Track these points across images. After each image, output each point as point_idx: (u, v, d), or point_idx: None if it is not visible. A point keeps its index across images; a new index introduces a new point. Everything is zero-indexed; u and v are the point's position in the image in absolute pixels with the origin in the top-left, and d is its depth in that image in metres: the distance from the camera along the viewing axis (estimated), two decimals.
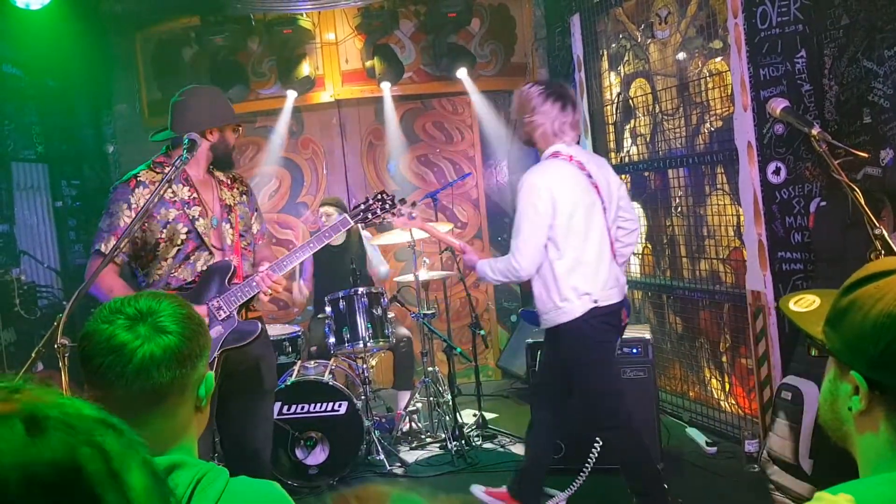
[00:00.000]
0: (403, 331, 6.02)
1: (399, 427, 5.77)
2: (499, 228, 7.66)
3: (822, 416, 1.33)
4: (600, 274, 3.77)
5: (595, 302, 3.74)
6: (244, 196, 3.68)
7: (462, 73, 6.99)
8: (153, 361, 1.44)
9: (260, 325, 3.40)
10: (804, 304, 1.35)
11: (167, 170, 3.26)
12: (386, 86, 6.95)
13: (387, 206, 3.60)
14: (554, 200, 3.67)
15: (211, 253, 3.46)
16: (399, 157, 7.50)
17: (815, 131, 2.84)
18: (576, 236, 3.72)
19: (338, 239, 6.10)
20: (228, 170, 3.65)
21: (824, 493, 1.16)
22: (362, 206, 3.59)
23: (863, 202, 2.66)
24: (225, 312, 3.34)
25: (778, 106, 3.01)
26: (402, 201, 3.77)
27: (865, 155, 3.28)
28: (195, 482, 1.38)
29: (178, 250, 3.44)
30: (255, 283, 3.35)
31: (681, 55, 5.56)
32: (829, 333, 1.26)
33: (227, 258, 3.47)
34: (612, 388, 3.90)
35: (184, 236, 3.44)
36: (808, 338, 1.32)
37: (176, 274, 3.44)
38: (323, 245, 3.55)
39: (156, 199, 3.20)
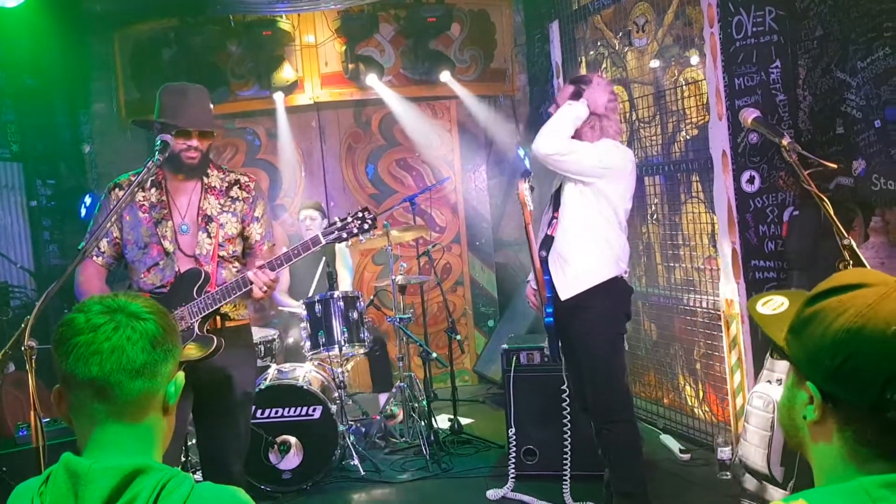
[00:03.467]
0: (377, 334, 6.02)
1: (374, 432, 5.76)
2: (477, 233, 7.67)
3: (780, 420, 1.35)
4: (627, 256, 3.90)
5: (625, 273, 3.86)
6: (239, 203, 3.54)
7: (445, 75, 7.01)
8: (129, 340, 1.46)
9: (215, 340, 3.26)
10: (772, 305, 1.36)
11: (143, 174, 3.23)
12: (373, 78, 6.94)
13: (365, 227, 3.40)
14: (628, 173, 3.79)
15: (177, 259, 3.41)
16: (374, 157, 7.50)
17: (785, 141, 2.87)
18: (624, 218, 3.83)
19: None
20: (185, 174, 3.47)
21: (780, 501, 1.19)
22: (339, 224, 3.41)
23: (832, 212, 2.69)
24: (186, 323, 3.26)
25: (749, 116, 3.04)
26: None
27: (834, 166, 3.31)
28: (160, 487, 1.39)
29: (144, 254, 3.42)
30: (230, 286, 3.29)
31: (658, 63, 5.60)
32: (790, 341, 1.27)
33: (199, 266, 3.41)
34: (625, 380, 3.93)
35: (147, 239, 3.42)
36: (771, 342, 1.33)
37: (145, 278, 3.41)
38: (308, 254, 3.46)
39: (125, 202, 3.17)
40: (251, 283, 3.28)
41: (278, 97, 6.97)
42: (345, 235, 3.39)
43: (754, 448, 4.28)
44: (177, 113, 3.37)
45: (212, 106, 3.64)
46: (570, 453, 4.31)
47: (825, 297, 1.23)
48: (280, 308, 6.25)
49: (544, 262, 3.82)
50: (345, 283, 6.06)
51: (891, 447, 1.16)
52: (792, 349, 1.26)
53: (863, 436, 1.17)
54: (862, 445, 1.18)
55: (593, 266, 3.75)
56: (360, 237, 3.46)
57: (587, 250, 3.76)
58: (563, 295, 3.77)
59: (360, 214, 3.41)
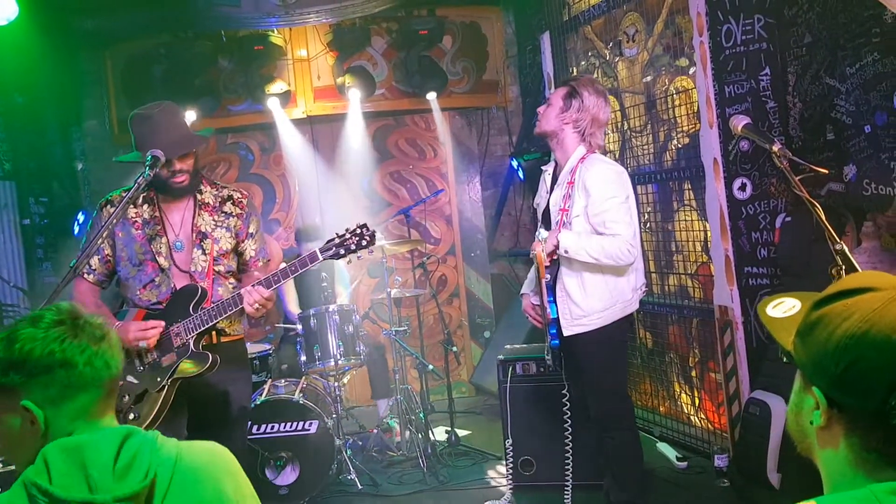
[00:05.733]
0: (376, 343, 6.01)
1: (371, 445, 5.74)
2: (472, 244, 7.66)
3: (789, 425, 1.32)
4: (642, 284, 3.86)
5: (644, 293, 3.84)
6: (233, 219, 3.53)
7: (431, 96, 7.03)
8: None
9: (210, 357, 3.25)
10: (783, 308, 1.33)
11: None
12: (355, 94, 6.94)
13: (364, 243, 3.33)
14: (629, 187, 3.74)
15: (172, 275, 3.41)
16: (368, 170, 7.50)
17: (775, 148, 2.88)
18: (637, 231, 3.76)
19: None
20: (169, 195, 3.46)
21: None
22: (336, 241, 3.35)
23: (823, 218, 2.70)
24: (181, 339, 3.26)
25: (739, 123, 3.05)
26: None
27: (825, 171, 3.32)
28: (152, 441, 1.56)
29: (139, 270, 3.41)
30: (225, 303, 3.29)
31: (648, 73, 5.62)
32: (797, 346, 1.25)
33: (196, 283, 3.39)
34: (627, 388, 3.92)
35: (142, 256, 3.41)
36: (780, 346, 1.31)
37: (141, 295, 3.40)
38: (305, 270, 3.36)
39: (115, 219, 3.16)
40: (241, 300, 3.27)
41: (273, 104, 6.90)
42: (343, 252, 3.34)
43: (750, 455, 4.27)
44: (147, 142, 3.32)
45: (187, 118, 3.56)
46: (570, 462, 4.30)
47: (832, 300, 1.21)
48: (281, 318, 6.23)
49: (548, 285, 3.75)
50: (342, 300, 6.04)
51: None
52: (798, 354, 1.24)
53: (868, 442, 1.15)
54: (868, 452, 1.15)
55: (599, 308, 3.69)
56: (358, 254, 3.39)
57: (595, 292, 3.70)
58: (567, 332, 3.72)
59: (357, 231, 3.34)
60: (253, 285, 3.26)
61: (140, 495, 1.48)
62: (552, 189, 3.84)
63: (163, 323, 3.27)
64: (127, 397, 3.25)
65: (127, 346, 3.24)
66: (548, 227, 3.84)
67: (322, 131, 7.53)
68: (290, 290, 6.15)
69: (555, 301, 3.75)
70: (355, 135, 7.33)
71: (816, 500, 1.17)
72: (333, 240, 3.36)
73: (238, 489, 1.68)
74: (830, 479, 1.23)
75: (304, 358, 5.31)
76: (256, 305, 3.25)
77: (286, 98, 6.99)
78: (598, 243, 3.58)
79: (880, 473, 1.15)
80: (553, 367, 3.87)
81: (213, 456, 1.66)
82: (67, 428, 1.58)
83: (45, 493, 1.43)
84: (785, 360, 1.32)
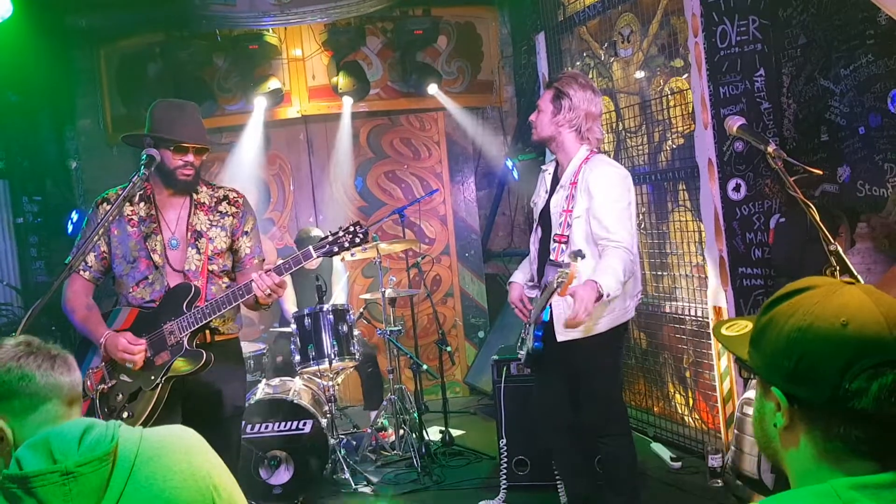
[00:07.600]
0: (369, 350, 6.00)
1: (365, 445, 5.73)
2: (466, 244, 7.67)
3: (755, 434, 1.37)
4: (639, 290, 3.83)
5: (639, 300, 3.84)
6: (228, 218, 3.55)
7: (433, 88, 7.04)
8: None
9: (204, 355, 3.26)
10: (736, 328, 1.40)
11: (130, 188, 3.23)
12: (347, 100, 6.98)
13: (357, 241, 3.36)
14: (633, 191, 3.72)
15: (166, 274, 3.40)
16: (363, 170, 7.50)
17: (770, 148, 2.89)
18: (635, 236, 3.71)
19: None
20: (176, 189, 3.47)
21: None
22: (330, 238, 3.37)
23: (818, 219, 2.70)
24: (175, 338, 3.26)
25: (734, 124, 3.06)
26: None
27: (820, 172, 3.33)
28: (114, 428, 1.60)
29: (133, 268, 3.40)
30: (219, 301, 3.28)
31: (643, 73, 5.62)
32: (752, 353, 1.31)
33: (189, 281, 3.39)
34: (621, 393, 3.91)
35: (136, 254, 3.40)
36: (738, 360, 1.37)
37: (134, 293, 3.40)
38: (299, 267, 3.41)
39: (112, 216, 3.16)
40: (252, 289, 3.26)
41: (259, 102, 6.88)
42: (336, 249, 3.37)
43: (745, 455, 4.28)
44: (173, 128, 3.36)
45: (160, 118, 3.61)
46: None
47: (778, 303, 1.27)
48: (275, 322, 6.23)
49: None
50: (339, 300, 6.04)
51: (860, 439, 1.17)
52: (753, 360, 1.29)
53: (829, 431, 1.19)
54: (830, 441, 1.19)
55: (597, 316, 3.59)
56: (352, 251, 3.44)
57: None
58: (561, 338, 3.62)
59: (351, 228, 3.38)
60: (266, 271, 3.26)
61: (103, 460, 1.53)
62: (553, 190, 3.79)
63: (144, 344, 3.27)
64: (121, 395, 3.25)
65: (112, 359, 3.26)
66: (545, 228, 3.78)
67: (317, 131, 7.52)
68: (288, 291, 6.14)
69: (550, 308, 3.70)
70: (350, 134, 7.33)
71: (777, 496, 1.20)
72: (327, 237, 3.39)
73: (208, 461, 1.71)
74: (796, 477, 1.27)
75: (298, 357, 5.29)
76: (268, 291, 3.26)
77: (280, 97, 6.98)
78: (613, 267, 3.43)
79: (844, 463, 1.19)
80: (526, 366, 3.86)
81: (180, 431, 1.73)
82: (32, 431, 1.67)
83: (14, 479, 1.48)
84: (742, 374, 1.37)
